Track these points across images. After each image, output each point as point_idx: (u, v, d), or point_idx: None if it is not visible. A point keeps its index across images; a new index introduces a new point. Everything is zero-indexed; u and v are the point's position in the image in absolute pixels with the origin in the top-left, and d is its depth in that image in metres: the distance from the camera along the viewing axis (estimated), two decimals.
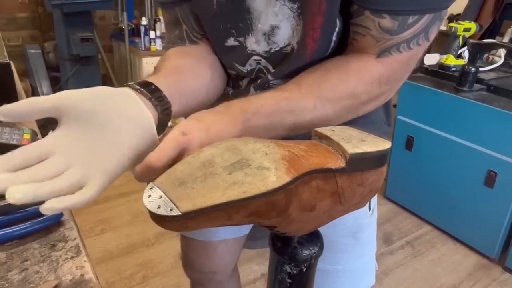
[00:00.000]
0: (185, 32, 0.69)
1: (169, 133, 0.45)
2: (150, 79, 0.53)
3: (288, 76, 0.62)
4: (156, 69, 0.62)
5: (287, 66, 0.64)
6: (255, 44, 0.64)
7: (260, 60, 0.66)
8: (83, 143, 0.41)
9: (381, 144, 0.50)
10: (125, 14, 2.96)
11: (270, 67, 0.66)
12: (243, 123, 0.52)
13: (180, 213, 0.38)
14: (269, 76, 0.66)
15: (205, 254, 0.96)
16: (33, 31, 2.86)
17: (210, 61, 0.68)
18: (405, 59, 0.57)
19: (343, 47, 0.62)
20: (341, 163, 0.47)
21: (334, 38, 0.61)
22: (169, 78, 0.57)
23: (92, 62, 2.67)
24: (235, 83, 0.73)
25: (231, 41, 0.66)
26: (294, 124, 0.56)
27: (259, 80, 0.68)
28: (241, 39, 0.65)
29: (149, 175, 0.42)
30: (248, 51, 0.65)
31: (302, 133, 0.56)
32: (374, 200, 0.81)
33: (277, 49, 0.64)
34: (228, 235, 0.93)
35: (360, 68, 0.57)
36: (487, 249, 1.99)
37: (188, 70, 0.62)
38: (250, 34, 0.64)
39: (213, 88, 0.66)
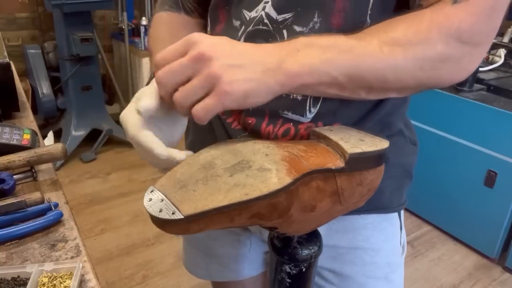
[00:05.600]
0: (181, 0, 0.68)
1: None
2: None
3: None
4: (156, 39, 0.63)
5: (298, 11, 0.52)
6: None
7: (267, 3, 0.54)
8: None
9: (379, 144, 0.50)
10: (125, 14, 2.96)
11: (273, 14, 0.54)
12: (289, 52, 0.45)
13: (182, 217, 0.38)
14: (268, 27, 0.54)
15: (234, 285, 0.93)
16: (33, 31, 2.85)
17: None
18: (489, 4, 0.45)
19: None
20: (340, 163, 0.47)
21: None
22: None
23: (92, 62, 2.66)
24: None
25: None
26: (352, 66, 0.45)
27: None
28: None
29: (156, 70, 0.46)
30: None
31: (361, 87, 0.48)
32: (404, 237, 0.73)
33: None
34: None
35: (435, 14, 0.46)
36: (487, 249, 1.99)
37: None
38: None
39: None
